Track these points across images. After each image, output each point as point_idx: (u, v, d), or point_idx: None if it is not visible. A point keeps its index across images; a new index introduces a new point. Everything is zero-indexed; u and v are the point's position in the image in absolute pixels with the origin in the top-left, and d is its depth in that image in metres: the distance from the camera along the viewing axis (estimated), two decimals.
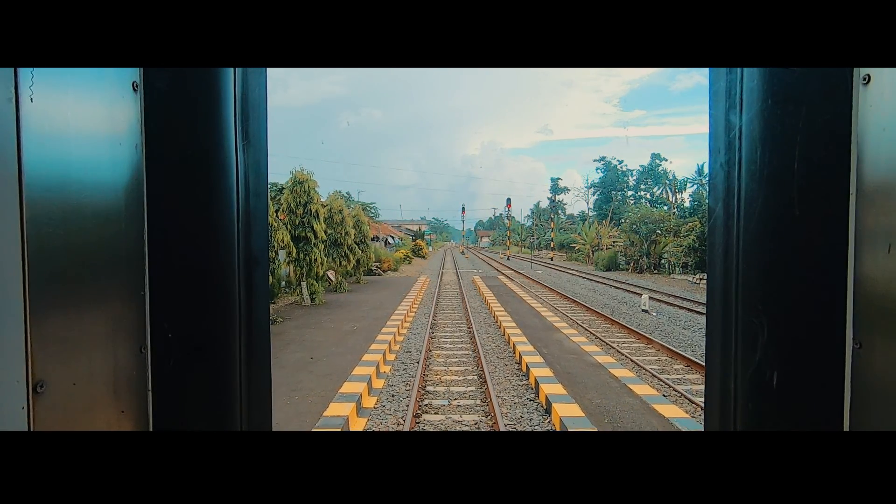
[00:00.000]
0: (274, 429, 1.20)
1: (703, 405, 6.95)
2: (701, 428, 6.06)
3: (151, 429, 0.98)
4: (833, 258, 0.90)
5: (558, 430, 5.93)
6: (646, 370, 8.97)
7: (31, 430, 0.72)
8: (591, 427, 5.66)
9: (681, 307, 16.68)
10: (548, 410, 6.56)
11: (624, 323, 13.36)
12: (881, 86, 0.84)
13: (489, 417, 6.55)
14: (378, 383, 7.82)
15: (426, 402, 7.20)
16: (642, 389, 7.24)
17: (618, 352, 10.34)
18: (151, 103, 0.95)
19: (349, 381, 7.34)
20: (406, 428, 6.04)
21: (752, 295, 0.99)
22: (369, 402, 7.02)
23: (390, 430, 6.01)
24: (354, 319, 12.82)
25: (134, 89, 0.93)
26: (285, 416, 5.92)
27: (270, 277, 12.82)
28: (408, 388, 7.60)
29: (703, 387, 7.25)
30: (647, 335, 11.68)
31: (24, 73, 0.69)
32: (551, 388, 7.01)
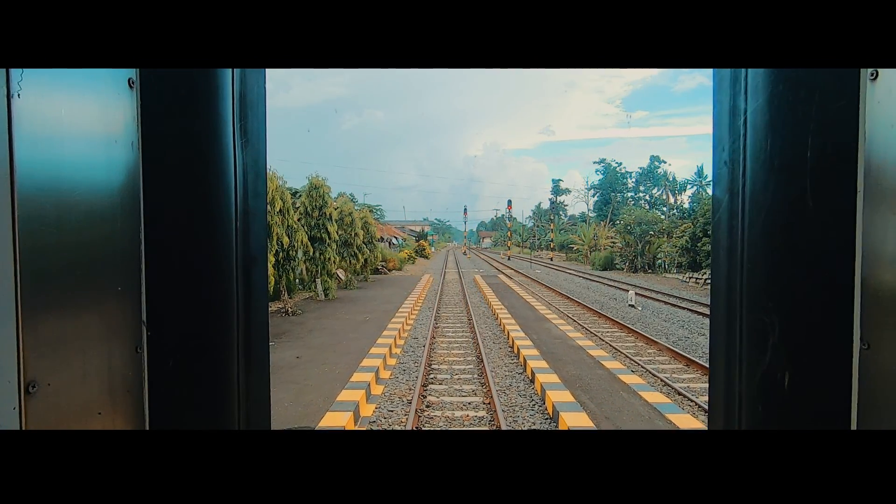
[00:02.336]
0: (275, 427, 1.19)
1: (664, 378, 8.35)
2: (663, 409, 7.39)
3: (148, 429, 0.97)
4: (841, 255, 0.88)
5: (539, 394, 7.34)
6: (621, 353, 10.40)
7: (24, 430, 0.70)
8: (564, 390, 7.07)
9: (665, 303, 18.07)
10: (532, 380, 7.98)
11: (610, 316, 14.76)
12: (889, 82, 0.82)
13: (484, 387, 7.96)
14: (391, 361, 9.26)
15: (432, 375, 8.62)
16: (612, 365, 8.66)
17: (599, 338, 11.76)
18: (148, 101, 0.93)
19: (367, 357, 8.80)
20: (416, 392, 7.47)
21: (758, 292, 0.96)
22: (385, 374, 8.46)
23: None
24: (366, 312, 14.34)
25: (130, 86, 0.91)
26: (321, 382, 7.46)
27: (291, 274, 14.26)
28: (416, 365, 9.03)
29: (669, 365, 9.19)
30: (628, 325, 13.07)
31: (14, 70, 0.68)
32: (536, 364, 8.43)
